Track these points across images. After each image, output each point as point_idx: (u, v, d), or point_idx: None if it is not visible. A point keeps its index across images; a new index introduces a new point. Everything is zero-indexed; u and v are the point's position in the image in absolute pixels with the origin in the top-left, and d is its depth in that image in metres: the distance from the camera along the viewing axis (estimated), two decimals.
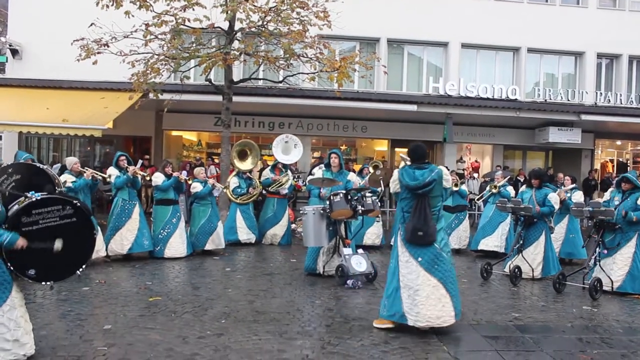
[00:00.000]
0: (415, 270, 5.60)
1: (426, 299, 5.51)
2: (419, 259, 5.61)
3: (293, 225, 12.32)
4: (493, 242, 10.82)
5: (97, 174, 9.38)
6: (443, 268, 5.63)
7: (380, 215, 10.45)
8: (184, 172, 10.21)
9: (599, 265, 7.89)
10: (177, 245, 9.72)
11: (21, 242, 4.23)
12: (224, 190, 11.40)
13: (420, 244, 5.62)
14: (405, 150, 6.10)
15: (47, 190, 4.79)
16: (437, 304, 5.53)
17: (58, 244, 4.36)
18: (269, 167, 12.31)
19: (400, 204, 5.84)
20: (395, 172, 5.86)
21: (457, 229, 11.44)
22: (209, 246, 10.21)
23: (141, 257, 9.67)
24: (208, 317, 6.00)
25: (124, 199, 9.49)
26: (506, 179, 11.65)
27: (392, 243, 6.05)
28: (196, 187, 10.20)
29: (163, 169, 9.99)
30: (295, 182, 12.65)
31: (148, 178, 10.02)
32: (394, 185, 5.88)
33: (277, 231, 11.79)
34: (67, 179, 8.75)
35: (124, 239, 9.34)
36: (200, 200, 10.30)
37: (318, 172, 9.03)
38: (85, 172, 9.12)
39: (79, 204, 4.60)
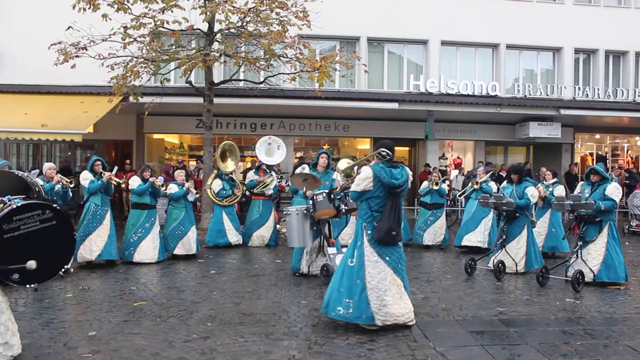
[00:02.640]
0: (384, 270, 5.61)
1: (392, 298, 5.57)
2: (387, 258, 5.64)
3: (277, 226, 12.32)
4: (476, 237, 10.92)
5: (63, 179, 9.18)
6: (403, 267, 5.78)
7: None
8: (161, 178, 10.07)
9: (580, 257, 7.99)
10: (147, 250, 9.54)
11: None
12: (197, 196, 11.30)
13: (389, 244, 5.64)
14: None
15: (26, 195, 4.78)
16: (400, 301, 5.64)
17: (32, 263, 4.30)
18: (253, 169, 12.28)
19: (369, 202, 5.67)
20: (368, 170, 5.67)
21: (433, 225, 11.51)
22: (178, 250, 10.03)
23: (124, 262, 9.54)
24: (194, 320, 5.98)
25: (96, 204, 9.26)
26: (488, 174, 11.75)
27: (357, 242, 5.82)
28: (172, 188, 10.11)
29: (141, 173, 9.88)
30: (279, 182, 12.65)
31: (123, 186, 9.89)
32: (366, 183, 5.61)
33: (264, 232, 11.75)
34: (38, 183, 8.57)
35: (94, 245, 9.10)
36: (175, 202, 10.20)
37: (305, 170, 9.02)
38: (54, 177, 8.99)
39: (57, 207, 4.64)
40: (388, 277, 5.60)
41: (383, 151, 5.72)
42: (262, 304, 6.71)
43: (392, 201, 5.62)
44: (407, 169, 5.90)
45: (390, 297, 5.57)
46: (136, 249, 9.50)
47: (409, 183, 5.87)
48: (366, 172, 5.68)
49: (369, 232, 5.67)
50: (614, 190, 7.98)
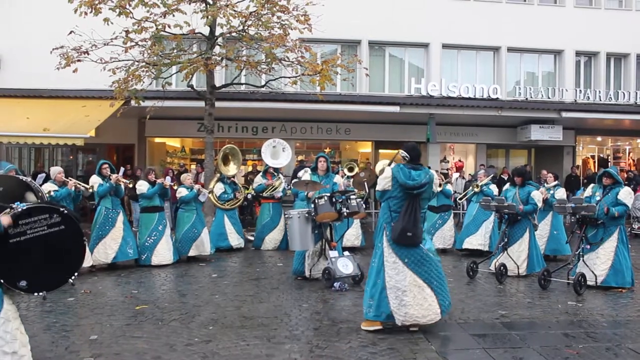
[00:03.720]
0: (403, 271, 5.61)
1: (413, 299, 5.56)
2: (405, 259, 5.63)
3: None
4: (477, 240, 10.89)
5: (80, 185, 9.28)
6: (428, 268, 5.69)
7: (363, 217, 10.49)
8: (168, 178, 10.11)
9: (583, 260, 7.96)
10: (163, 252, 9.66)
11: (4, 219, 4.10)
12: (209, 195, 11.38)
13: (407, 245, 5.63)
14: (388, 151, 6.08)
15: (32, 200, 4.74)
16: (424, 303, 5.60)
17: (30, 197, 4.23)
18: (260, 173, 12.30)
19: (388, 203, 5.75)
20: (388, 170, 5.74)
21: (442, 228, 11.46)
22: (192, 252, 10.14)
23: (126, 265, 9.61)
24: (195, 324, 5.97)
25: (107, 207, 9.39)
26: (489, 177, 11.72)
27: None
28: (182, 191, 10.18)
29: (146, 176, 9.93)
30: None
31: (131, 186, 9.96)
32: (385, 182, 5.71)
33: (277, 235, 11.78)
34: (50, 188, 8.68)
35: (108, 248, 9.24)
36: (185, 206, 10.26)
37: (305, 175, 9.03)
38: (68, 182, 9.06)
39: (66, 212, 4.49)
40: (407, 277, 5.59)
41: (402, 153, 5.82)
42: (264, 308, 6.71)
43: (410, 202, 5.62)
44: (432, 171, 5.90)
45: (411, 298, 5.56)
46: (153, 252, 9.60)
47: (434, 186, 5.87)
48: (386, 172, 5.77)
49: (388, 232, 5.70)
50: (627, 195, 7.90)
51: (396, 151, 6.03)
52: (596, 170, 19.48)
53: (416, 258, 5.66)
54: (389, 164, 6.01)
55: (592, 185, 8.59)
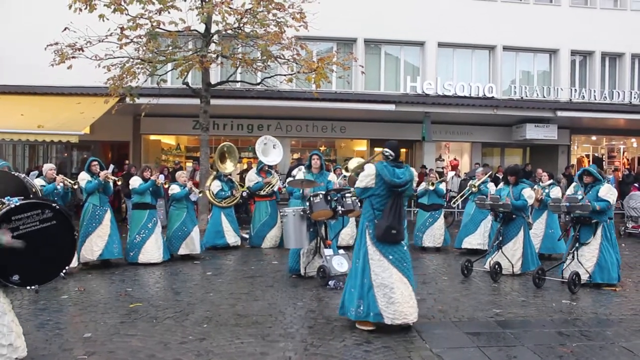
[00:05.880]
0: (388, 268, 5.61)
1: (401, 296, 5.56)
2: (390, 257, 5.64)
3: None
4: (476, 239, 10.89)
5: (66, 181, 9.18)
6: (408, 266, 5.76)
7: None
8: (162, 176, 10.05)
9: (577, 259, 7.99)
10: (152, 250, 9.55)
11: (6, 238, 4.17)
12: (200, 195, 11.33)
13: (390, 242, 5.64)
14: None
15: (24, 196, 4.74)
16: (409, 300, 5.64)
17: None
18: (254, 171, 12.19)
19: (371, 200, 5.70)
20: (371, 167, 5.71)
21: (432, 227, 11.40)
22: (182, 251, 10.04)
23: (120, 263, 9.55)
24: (190, 322, 5.96)
25: (95, 204, 9.27)
26: (487, 175, 11.67)
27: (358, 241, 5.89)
28: (174, 188, 10.12)
29: (142, 173, 9.90)
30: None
31: (120, 183, 9.90)
32: (368, 180, 5.65)
33: (277, 232, 11.65)
34: (39, 183, 8.60)
35: (94, 245, 9.12)
36: (177, 203, 10.20)
37: (299, 173, 9.02)
38: (56, 178, 9.00)
39: (57, 206, 4.54)
40: (394, 274, 5.60)
41: (386, 151, 5.78)
42: (259, 306, 6.70)
43: (394, 200, 5.61)
44: (412, 169, 5.91)
45: (399, 295, 5.55)
46: (141, 249, 9.52)
47: (414, 184, 5.88)
48: (369, 169, 5.73)
49: (371, 231, 5.69)
50: (607, 192, 7.95)
51: (381, 149, 6.01)
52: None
53: (399, 255, 5.69)
54: (366, 163, 6.00)
55: (573, 184, 8.67)
